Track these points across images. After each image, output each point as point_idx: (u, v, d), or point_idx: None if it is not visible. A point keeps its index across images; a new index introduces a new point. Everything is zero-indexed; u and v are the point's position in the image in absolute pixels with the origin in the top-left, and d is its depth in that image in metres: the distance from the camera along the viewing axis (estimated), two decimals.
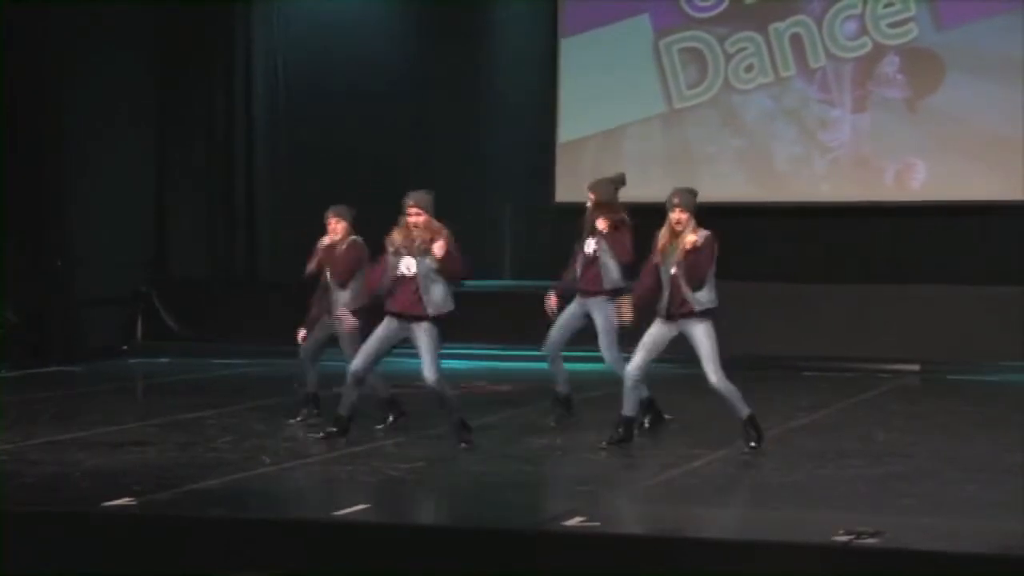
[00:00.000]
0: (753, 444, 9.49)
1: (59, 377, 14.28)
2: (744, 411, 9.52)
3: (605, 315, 10.34)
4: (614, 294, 10.31)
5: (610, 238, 10.36)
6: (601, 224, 10.38)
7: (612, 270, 10.40)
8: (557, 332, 10.62)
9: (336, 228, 10.65)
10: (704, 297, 9.42)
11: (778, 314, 15.14)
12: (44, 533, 7.41)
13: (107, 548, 7.32)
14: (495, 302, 15.18)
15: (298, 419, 10.79)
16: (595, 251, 10.42)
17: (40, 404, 12.05)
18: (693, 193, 9.61)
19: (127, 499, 7.78)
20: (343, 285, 10.55)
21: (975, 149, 15.61)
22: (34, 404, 12.04)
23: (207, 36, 17.52)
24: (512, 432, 10.44)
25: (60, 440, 9.99)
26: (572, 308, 10.56)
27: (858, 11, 16.05)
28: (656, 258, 9.54)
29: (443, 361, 9.67)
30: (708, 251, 9.43)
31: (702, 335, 9.39)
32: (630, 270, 10.32)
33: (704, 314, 9.41)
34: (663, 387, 12.92)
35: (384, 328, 9.68)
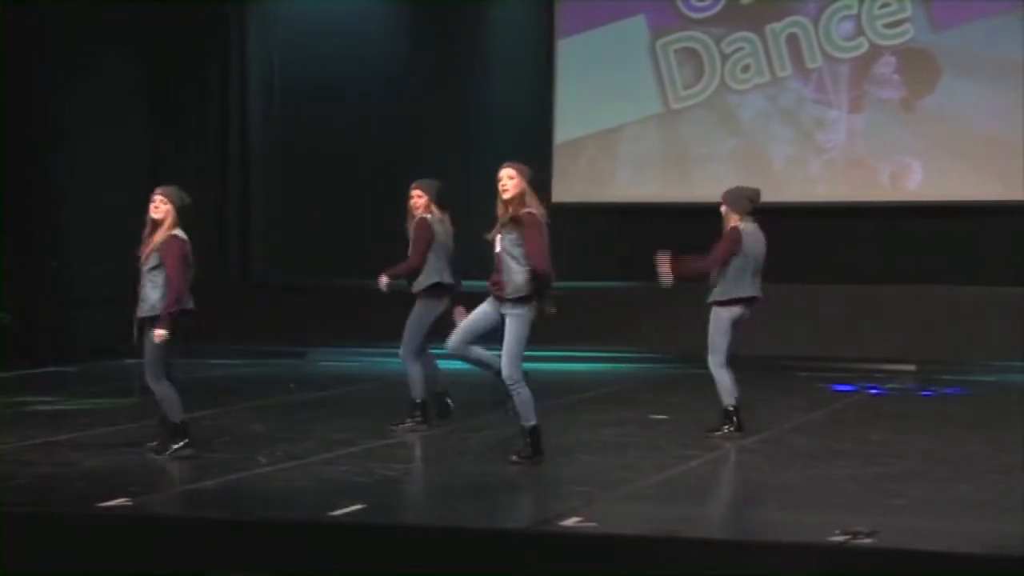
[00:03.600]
0: (719, 432, 9.89)
1: (54, 378, 14.28)
2: (728, 402, 9.93)
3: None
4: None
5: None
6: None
7: (517, 272, 8.92)
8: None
9: (159, 207, 9.44)
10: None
11: (772, 315, 15.05)
12: (39, 534, 7.41)
13: (102, 549, 7.31)
14: None
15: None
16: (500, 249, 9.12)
17: (35, 405, 12.05)
18: (736, 188, 10.30)
19: (123, 499, 7.79)
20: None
21: (971, 150, 15.63)
22: (29, 405, 12.04)
23: (202, 36, 17.53)
24: (507, 432, 10.43)
25: (55, 441, 9.98)
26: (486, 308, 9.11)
27: (854, 11, 16.07)
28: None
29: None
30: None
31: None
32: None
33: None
34: (660, 386, 12.96)
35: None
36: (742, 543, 7.14)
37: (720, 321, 9.91)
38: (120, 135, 16.55)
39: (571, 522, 7.27)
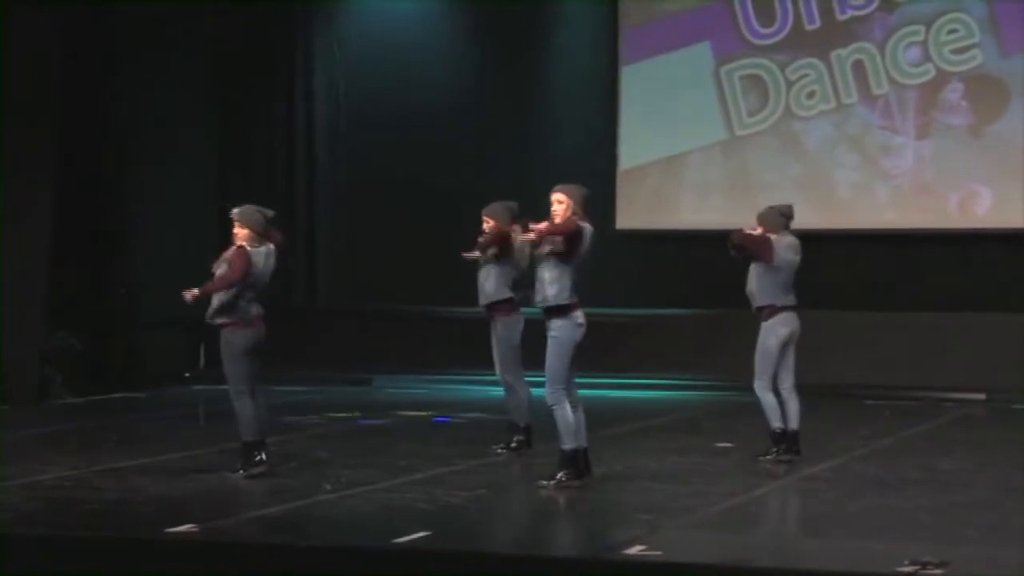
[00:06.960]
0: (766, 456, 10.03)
1: (122, 403, 14.39)
2: (773, 425, 10.04)
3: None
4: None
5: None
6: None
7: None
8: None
9: (237, 234, 9.61)
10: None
11: (839, 342, 15.05)
12: (107, 559, 7.46)
13: (170, 574, 7.36)
14: None
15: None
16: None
17: (103, 430, 12.15)
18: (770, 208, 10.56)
19: (190, 525, 7.84)
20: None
21: None
22: (98, 430, 12.15)
23: (269, 62, 17.69)
24: None
25: (123, 466, 10.06)
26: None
27: (921, 38, 15.96)
28: None
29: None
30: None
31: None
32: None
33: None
34: (724, 413, 12.90)
35: None
36: (810, 573, 7.07)
37: (767, 344, 10.02)
38: (187, 161, 16.68)
39: (635, 550, 7.24)
